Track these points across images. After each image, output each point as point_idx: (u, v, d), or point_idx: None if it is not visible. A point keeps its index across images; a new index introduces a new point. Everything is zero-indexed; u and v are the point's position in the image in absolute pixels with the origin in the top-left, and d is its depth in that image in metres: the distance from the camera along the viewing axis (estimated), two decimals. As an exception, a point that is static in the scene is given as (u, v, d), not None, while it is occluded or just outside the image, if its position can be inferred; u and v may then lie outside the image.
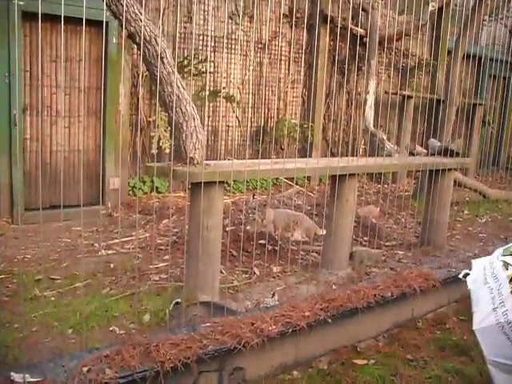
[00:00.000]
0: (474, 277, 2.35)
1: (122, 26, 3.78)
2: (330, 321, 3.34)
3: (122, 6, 3.61)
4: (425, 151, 6.71)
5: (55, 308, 3.95)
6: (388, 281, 4.03)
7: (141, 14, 3.81)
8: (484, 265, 2.28)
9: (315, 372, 3.33)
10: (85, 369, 2.47)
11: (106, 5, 3.76)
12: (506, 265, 2.10)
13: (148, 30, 3.85)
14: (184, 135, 3.99)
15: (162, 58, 3.90)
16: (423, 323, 4.17)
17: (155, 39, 3.87)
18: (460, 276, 2.41)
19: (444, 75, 10.49)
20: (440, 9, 10.22)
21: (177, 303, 3.65)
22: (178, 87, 3.98)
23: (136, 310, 3.97)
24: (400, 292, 3.93)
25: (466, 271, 2.42)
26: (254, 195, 5.97)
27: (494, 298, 2.09)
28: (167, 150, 4.43)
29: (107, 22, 6.38)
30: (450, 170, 5.91)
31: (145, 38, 3.82)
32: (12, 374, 2.40)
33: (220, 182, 3.93)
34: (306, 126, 9.40)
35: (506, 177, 11.23)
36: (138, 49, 3.94)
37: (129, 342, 2.78)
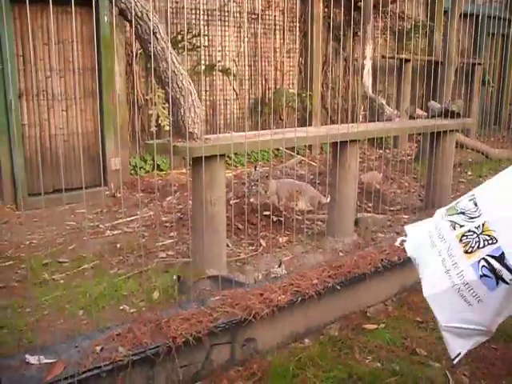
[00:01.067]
0: (414, 243, 2.24)
1: (112, 2, 3.73)
2: (338, 287, 3.35)
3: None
4: (425, 114, 6.66)
5: (65, 291, 3.97)
6: (394, 245, 4.02)
7: (131, -11, 3.76)
8: (427, 229, 2.18)
9: (326, 339, 3.35)
10: (98, 348, 2.49)
11: (95, -18, 3.72)
12: (454, 224, 2.02)
13: (139, 6, 3.80)
14: (182, 110, 3.97)
15: (155, 34, 3.85)
16: (431, 285, 4.17)
17: (147, 15, 3.82)
18: (397, 244, 2.34)
19: (441, 36, 10.37)
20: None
21: (179, 278, 3.65)
22: (173, 62, 3.95)
23: (145, 288, 3.99)
24: (407, 256, 3.93)
25: (402, 238, 2.33)
26: (255, 167, 5.94)
27: (445, 261, 1.99)
28: (167, 128, 4.40)
29: (97, 1, 6.30)
30: (451, 131, 5.88)
31: (136, 14, 3.77)
32: (27, 356, 2.42)
33: (221, 155, 3.92)
34: (304, 95, 9.34)
35: (508, 136, 11.18)
36: (131, 26, 3.89)
37: (139, 319, 2.79)
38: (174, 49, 4.91)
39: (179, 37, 7.49)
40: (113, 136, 7.13)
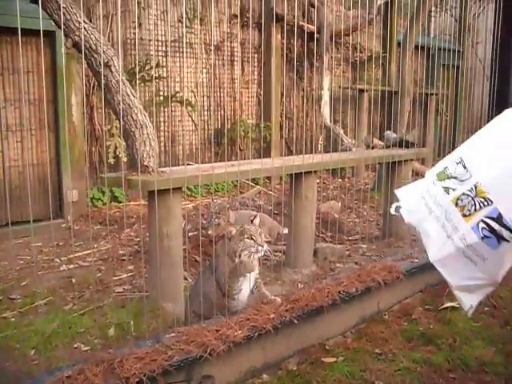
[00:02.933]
0: (409, 208, 2.28)
1: (65, 35, 3.69)
2: (295, 321, 3.32)
3: (63, 15, 3.53)
4: (382, 143, 6.78)
5: (15, 329, 3.83)
6: (352, 276, 4.03)
7: (85, 22, 3.73)
8: (420, 194, 2.23)
9: (285, 374, 3.30)
10: (46, 392, 2.40)
11: (48, 14, 3.68)
12: (447, 189, 2.08)
13: (93, 38, 3.77)
14: (137, 143, 3.93)
15: (109, 66, 3.83)
16: (389, 315, 4.19)
17: (101, 47, 3.79)
18: (392, 211, 2.36)
19: (396, 67, 10.61)
20: (388, 2, 10.33)
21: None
22: (128, 95, 3.92)
23: (100, 325, 3.89)
24: (365, 286, 3.95)
25: (396, 204, 2.36)
26: (212, 200, 5.93)
27: (445, 226, 2.07)
28: (125, 159, 4.35)
29: (53, 32, 6.24)
30: (406, 160, 5.97)
31: (90, 47, 3.74)
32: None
33: (175, 188, 3.88)
34: (262, 125, 9.40)
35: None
36: (85, 58, 3.85)
37: (92, 359, 2.71)
38: (132, 80, 4.90)
39: (137, 68, 7.48)
40: (69, 167, 7.02)
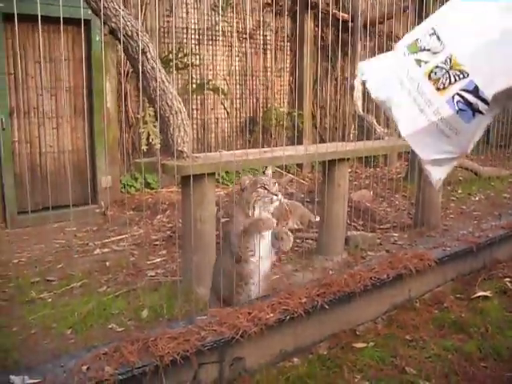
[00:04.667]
0: (376, 81, 2.19)
1: (103, 22, 3.75)
2: (327, 306, 3.33)
3: (101, 2, 3.58)
4: (415, 132, 6.70)
5: (53, 309, 3.94)
6: (384, 263, 4.02)
7: (121, 9, 3.78)
8: (389, 67, 2.12)
9: (315, 358, 3.32)
10: (84, 367, 2.46)
11: (86, 2, 3.73)
12: (419, 62, 2.00)
13: (129, 25, 3.82)
14: (171, 129, 3.98)
15: (144, 53, 3.88)
16: (420, 303, 4.17)
17: (137, 34, 3.84)
18: (355, 83, 2.30)
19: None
20: (423, -11, 10.18)
21: None
22: (163, 81, 3.97)
23: (134, 307, 3.97)
24: (396, 273, 3.93)
25: (360, 77, 2.26)
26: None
27: (417, 100, 2.01)
28: (157, 146, 4.41)
29: (89, 20, 6.33)
30: (440, 149, 5.91)
31: (126, 34, 3.79)
32: (11, 376, 2.39)
33: (210, 173, 3.92)
34: (294, 114, 9.39)
35: (498, 154, 11.25)
36: (120, 45, 3.91)
37: (127, 338, 2.77)
38: (165, 68, 4.95)
39: (170, 56, 7.54)
40: (103, 154, 7.14)
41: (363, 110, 8.87)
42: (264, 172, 3.45)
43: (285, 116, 9.36)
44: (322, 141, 10.03)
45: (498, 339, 3.61)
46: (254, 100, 9.58)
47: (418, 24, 7.36)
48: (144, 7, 7.80)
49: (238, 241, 3.20)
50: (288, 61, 10.00)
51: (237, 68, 9.23)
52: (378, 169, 9.78)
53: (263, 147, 5.12)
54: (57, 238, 5.86)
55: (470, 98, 1.88)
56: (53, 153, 6.91)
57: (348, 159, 5.07)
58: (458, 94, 1.90)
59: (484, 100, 1.85)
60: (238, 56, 9.25)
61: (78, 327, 3.64)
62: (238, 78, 9.30)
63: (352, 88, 8.92)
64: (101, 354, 2.57)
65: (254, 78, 9.52)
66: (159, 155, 4.11)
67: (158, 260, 5.09)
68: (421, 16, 10.21)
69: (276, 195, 3.21)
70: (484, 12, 1.92)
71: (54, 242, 5.74)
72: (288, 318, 3.16)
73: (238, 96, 9.34)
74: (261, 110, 9.60)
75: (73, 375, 2.39)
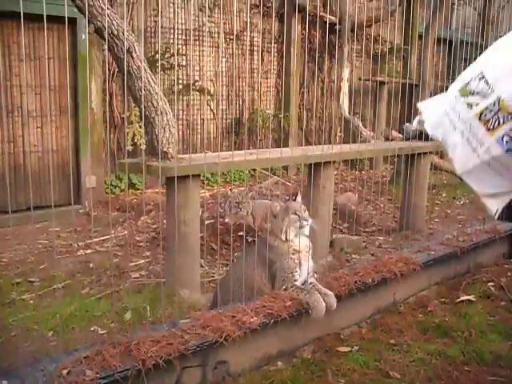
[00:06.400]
0: (433, 122, 2.37)
1: (88, 21, 3.71)
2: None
3: (86, 0, 3.54)
4: (400, 136, 6.73)
5: (34, 311, 3.88)
6: (368, 267, 4.02)
7: (106, 7, 3.75)
8: (443, 109, 2.28)
9: (299, 361, 3.32)
10: (64, 371, 2.42)
11: (71, 0, 3.69)
12: (470, 105, 2.12)
13: (115, 24, 3.79)
14: (156, 130, 3.95)
15: (130, 52, 3.84)
16: (405, 307, 4.18)
17: (122, 33, 3.80)
18: (414, 124, 2.43)
19: (416, 60, 10.52)
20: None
21: None
22: (149, 81, 3.94)
23: (117, 309, 3.93)
24: (381, 277, 3.93)
25: (419, 118, 2.45)
26: (230, 189, 5.93)
27: (470, 140, 2.13)
28: (143, 146, 4.37)
29: (75, 19, 6.28)
30: (425, 153, 5.93)
31: (112, 33, 3.76)
32: (-11, 380, 2.35)
33: (194, 175, 3.89)
34: (281, 116, 9.38)
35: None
36: (106, 44, 3.87)
37: (109, 341, 2.73)
38: (152, 68, 4.91)
39: (157, 56, 7.49)
40: (88, 154, 7.08)
41: (349, 113, 8.89)
42: (294, 199, 3.56)
43: (271, 118, 9.35)
44: (308, 143, 10.03)
45: (481, 343, 3.62)
46: (241, 101, 9.56)
47: (404, 28, 7.38)
48: (131, 6, 7.75)
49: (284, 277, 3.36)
50: (275, 63, 9.99)
51: (223, 69, 9.21)
52: (363, 172, 9.80)
53: (249, 149, 5.09)
54: (39, 239, 5.79)
55: None
56: (36, 152, 6.84)
57: (334, 162, 5.06)
58: (507, 134, 2.01)
59: None
60: (225, 57, 9.22)
61: (59, 329, 3.58)
62: (224, 79, 9.28)
63: (338, 91, 8.94)
64: (82, 358, 2.54)
65: (240, 79, 9.50)
66: (144, 156, 4.08)
67: (142, 261, 5.05)
68: (407, 19, 10.28)
69: (306, 220, 3.38)
70: None
71: (36, 242, 5.67)
72: (272, 321, 3.14)
73: (225, 97, 9.32)
74: (247, 111, 9.58)
75: (53, 379, 2.36)
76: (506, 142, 2.00)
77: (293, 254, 3.36)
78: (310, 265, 3.46)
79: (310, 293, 3.28)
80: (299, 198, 3.55)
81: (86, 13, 3.50)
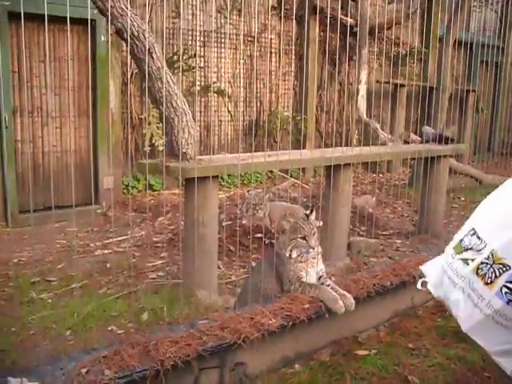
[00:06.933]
0: (435, 282, 2.38)
1: (108, 21, 3.73)
2: (326, 315, 3.29)
3: (108, 2, 3.56)
4: (419, 139, 6.68)
5: (52, 310, 3.91)
6: (387, 270, 3.99)
7: (127, 9, 3.76)
8: (441, 269, 2.32)
9: (317, 364, 3.29)
10: (83, 370, 2.42)
11: (93, 1, 3.71)
12: (466, 261, 2.15)
13: (135, 25, 3.80)
14: (176, 130, 3.95)
15: (150, 53, 3.85)
16: (423, 311, 4.14)
17: (143, 34, 3.82)
18: (418, 287, 2.45)
19: (435, 62, 10.45)
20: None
21: None
22: (168, 82, 3.94)
23: (134, 309, 3.94)
24: (399, 280, 3.90)
25: (423, 279, 2.47)
26: (248, 191, 5.93)
27: (471, 296, 2.12)
28: (160, 148, 4.39)
29: (94, 20, 6.32)
30: (444, 156, 5.89)
31: (132, 34, 3.77)
32: (9, 378, 2.35)
33: (214, 176, 3.89)
34: (298, 117, 9.36)
35: (501, 162, 11.22)
36: (126, 45, 3.89)
37: (127, 341, 2.73)
38: (170, 69, 4.93)
39: (175, 57, 7.52)
40: (106, 155, 7.11)
41: (367, 116, 8.84)
42: (308, 216, 3.41)
43: (288, 120, 9.33)
44: (325, 145, 10.00)
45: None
46: (258, 103, 9.55)
47: (423, 31, 7.34)
48: (150, 8, 7.78)
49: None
50: (293, 65, 9.98)
51: (242, 71, 9.21)
52: (380, 175, 9.75)
53: (265, 151, 5.08)
54: (58, 238, 5.82)
55: None
56: (56, 152, 6.89)
57: (352, 164, 5.04)
58: (504, 285, 2.01)
59: None
60: (243, 59, 9.22)
61: (77, 329, 3.60)
62: (242, 80, 9.28)
63: (356, 93, 8.90)
64: (100, 357, 2.54)
65: (258, 81, 9.50)
66: (163, 157, 4.08)
67: (159, 262, 5.06)
68: (426, 22, 10.23)
69: (312, 248, 3.27)
70: None
71: (54, 241, 5.71)
72: (290, 323, 3.12)
73: (242, 99, 9.32)
74: (265, 113, 9.57)
75: (72, 378, 2.36)
76: (506, 293, 2.01)
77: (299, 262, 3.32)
78: (321, 268, 3.43)
79: (319, 287, 3.28)
80: (313, 216, 3.45)
81: (108, 14, 3.51)
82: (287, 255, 3.29)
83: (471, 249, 2.16)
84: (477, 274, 2.09)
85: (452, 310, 2.26)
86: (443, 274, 2.30)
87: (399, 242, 5.70)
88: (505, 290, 2.01)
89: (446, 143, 5.96)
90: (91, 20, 6.12)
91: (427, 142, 6.12)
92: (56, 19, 3.45)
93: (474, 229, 2.18)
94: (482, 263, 2.08)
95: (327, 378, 3.15)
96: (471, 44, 8.88)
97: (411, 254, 5.09)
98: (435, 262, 2.46)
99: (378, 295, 3.71)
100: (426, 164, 5.94)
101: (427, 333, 3.80)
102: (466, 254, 2.17)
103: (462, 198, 8.27)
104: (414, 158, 6.11)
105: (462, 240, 2.22)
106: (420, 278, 2.49)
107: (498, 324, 2.07)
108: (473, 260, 2.12)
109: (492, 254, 2.05)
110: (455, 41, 9.10)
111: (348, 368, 3.25)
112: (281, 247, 3.36)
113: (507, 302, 2.01)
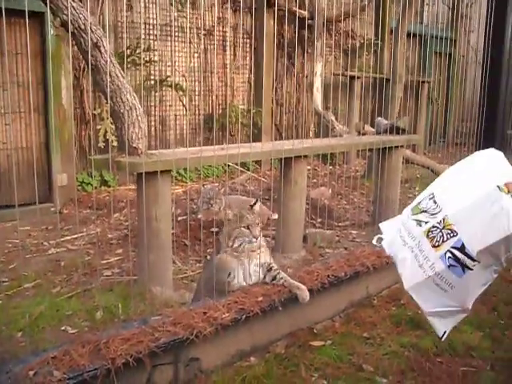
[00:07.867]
0: (389, 240, 2.47)
1: (53, 14, 3.64)
2: (280, 307, 3.30)
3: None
4: (373, 130, 6.75)
5: (2, 312, 3.81)
6: (341, 260, 4.02)
7: (73, 1, 3.67)
8: (397, 228, 2.42)
9: (272, 357, 3.30)
10: (31, 373, 2.37)
11: (36, -7, 3.62)
12: (420, 222, 2.26)
13: (82, 18, 3.71)
14: (126, 125, 3.89)
15: (98, 47, 3.78)
16: (378, 300, 4.19)
17: (90, 27, 3.73)
18: (374, 242, 2.53)
19: (388, 54, 10.56)
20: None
21: None
22: (117, 76, 3.88)
23: (88, 308, 3.87)
24: (353, 271, 3.94)
25: (379, 236, 2.55)
26: (203, 185, 5.90)
27: (417, 256, 2.24)
28: (115, 143, 4.31)
29: (42, 13, 6.16)
30: (397, 147, 5.96)
31: (79, 27, 3.69)
32: (-48, 384, 2.29)
33: (165, 171, 3.85)
34: (254, 111, 9.34)
35: (455, 151, 11.43)
36: (73, 38, 3.80)
37: (78, 340, 2.69)
38: (123, 63, 4.86)
39: (128, 51, 7.41)
40: (59, 151, 6.97)
41: (322, 108, 8.89)
42: (252, 206, 3.45)
43: (243, 113, 9.31)
44: (281, 138, 10.03)
45: (453, 335, 3.62)
46: (213, 97, 9.50)
47: (375, 23, 7.39)
48: (101, 1, 7.64)
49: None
50: (247, 58, 9.95)
51: (196, 65, 9.14)
52: (336, 167, 9.82)
53: (222, 144, 5.06)
54: (9, 238, 5.68)
55: (459, 254, 2.10)
56: (6, 150, 6.71)
57: (305, 156, 5.05)
58: (449, 250, 2.13)
59: (470, 257, 2.08)
60: (197, 52, 9.15)
61: (29, 330, 3.52)
62: (196, 74, 9.21)
63: (311, 85, 8.94)
64: (49, 358, 2.49)
65: (212, 74, 9.45)
66: (114, 152, 4.02)
67: (114, 259, 4.99)
68: (378, 14, 10.31)
69: (255, 238, 3.29)
70: (473, 180, 2.20)
71: (6, 241, 5.57)
72: (244, 317, 3.12)
73: (197, 93, 9.26)
74: (219, 107, 9.53)
75: (19, 381, 2.31)
76: (448, 257, 2.11)
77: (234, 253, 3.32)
78: (265, 261, 3.41)
79: None
80: (257, 207, 3.48)
81: (49, 5, 3.42)
82: (230, 244, 3.29)
83: (426, 211, 2.26)
84: (427, 236, 2.19)
85: (398, 268, 2.36)
86: (397, 233, 2.40)
87: (355, 232, 5.76)
88: (449, 254, 2.12)
89: (399, 134, 6.03)
90: (39, 13, 5.96)
91: (380, 133, 6.19)
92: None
93: (433, 193, 2.29)
94: (433, 227, 2.18)
95: (282, 369, 3.16)
96: (424, 36, 9.02)
97: (367, 243, 5.14)
98: (394, 221, 2.55)
99: (332, 286, 3.74)
100: (379, 155, 6.01)
101: (382, 322, 3.85)
102: (420, 216, 2.27)
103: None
104: (371, 150, 6.16)
105: (420, 202, 2.33)
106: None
107: (437, 286, 2.18)
108: (426, 222, 2.22)
109: (443, 219, 2.15)
110: (408, 33, 9.22)
111: (303, 359, 3.27)
112: (224, 237, 3.36)
113: (448, 267, 2.12)
